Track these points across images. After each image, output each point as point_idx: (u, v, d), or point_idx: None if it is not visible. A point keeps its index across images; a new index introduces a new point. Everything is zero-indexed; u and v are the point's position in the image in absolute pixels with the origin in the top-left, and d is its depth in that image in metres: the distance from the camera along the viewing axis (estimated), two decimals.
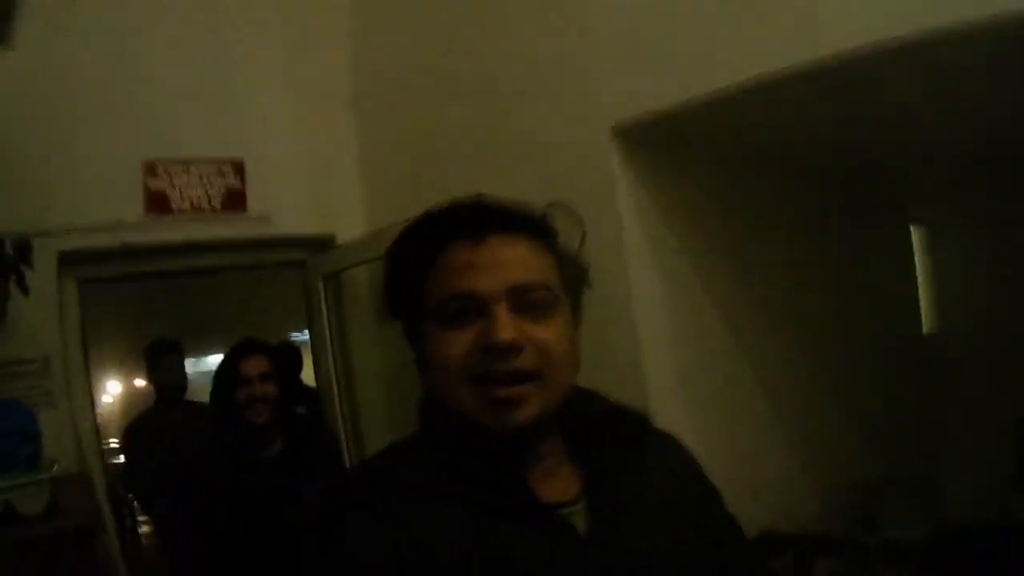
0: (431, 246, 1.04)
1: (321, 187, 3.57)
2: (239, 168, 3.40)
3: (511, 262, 1.01)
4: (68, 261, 3.20)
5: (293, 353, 4.90)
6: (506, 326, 0.96)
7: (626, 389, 1.31)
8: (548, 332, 1.00)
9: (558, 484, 1.03)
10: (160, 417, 4.15)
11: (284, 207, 3.49)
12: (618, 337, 2.61)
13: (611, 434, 1.09)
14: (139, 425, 4.23)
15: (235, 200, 3.41)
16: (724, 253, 3.01)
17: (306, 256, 3.66)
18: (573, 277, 1.10)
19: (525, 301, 1.00)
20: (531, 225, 1.06)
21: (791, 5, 2.09)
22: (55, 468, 2.64)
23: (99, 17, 3.24)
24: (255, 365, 2.78)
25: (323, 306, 3.58)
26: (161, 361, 4.29)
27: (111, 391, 5.53)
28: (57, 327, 3.14)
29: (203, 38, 3.45)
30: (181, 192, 3.33)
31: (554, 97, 2.73)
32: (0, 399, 2.81)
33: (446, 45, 3.12)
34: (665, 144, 2.70)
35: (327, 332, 3.56)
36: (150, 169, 3.27)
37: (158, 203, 3.29)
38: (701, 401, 2.79)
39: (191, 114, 3.37)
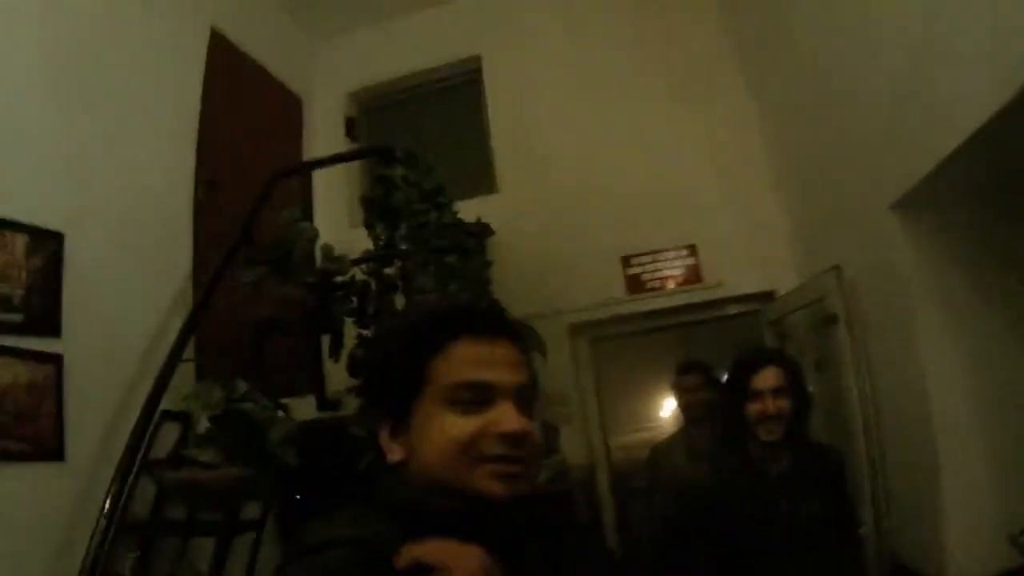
0: (445, 333, 1.19)
1: (758, 254, 4.34)
2: (693, 251, 4.40)
3: (516, 363, 1.19)
4: (576, 330, 4.55)
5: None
6: (519, 417, 1.15)
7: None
8: (535, 429, 1.20)
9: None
10: (686, 436, 4.04)
11: (732, 273, 4.38)
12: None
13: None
14: (664, 443, 4.25)
15: (692, 274, 4.40)
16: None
17: (754, 308, 4.45)
18: (535, 383, 1.27)
19: (522, 398, 1.18)
20: (524, 337, 1.25)
21: None
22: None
23: (561, 155, 4.65)
24: (768, 378, 2.61)
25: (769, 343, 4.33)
26: (684, 380, 4.08)
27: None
28: (572, 373, 4.49)
29: (646, 151, 4.57)
30: (651, 274, 4.43)
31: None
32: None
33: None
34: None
35: None
36: (627, 260, 4.46)
37: (635, 284, 4.45)
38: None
39: (652, 214, 4.49)
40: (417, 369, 1.18)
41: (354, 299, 3.38)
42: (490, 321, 1.22)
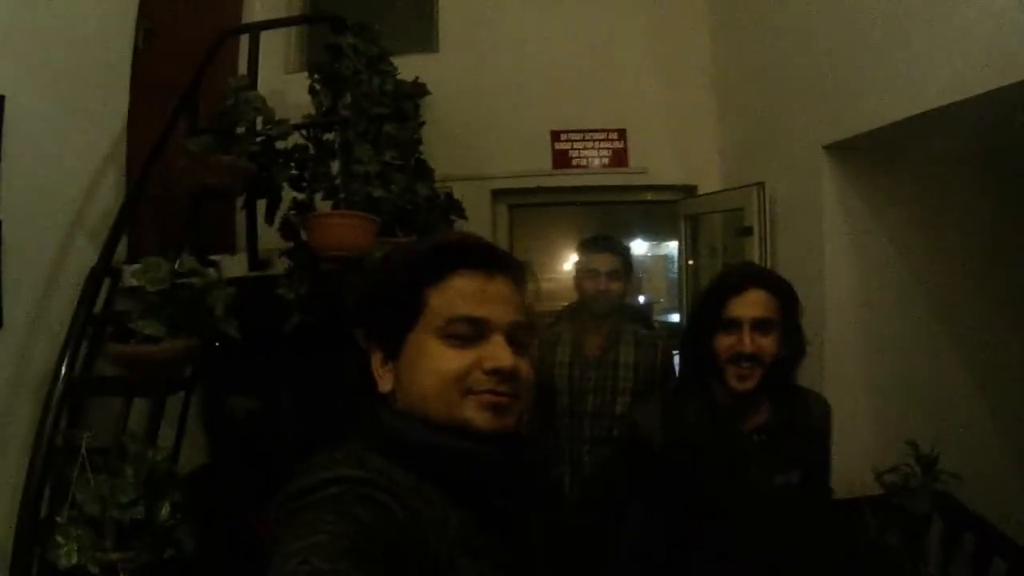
0: (444, 265, 1.19)
1: (686, 148, 4.52)
2: (622, 135, 4.52)
3: (512, 300, 1.20)
4: (499, 195, 4.69)
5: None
6: (509, 354, 1.15)
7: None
8: (525, 365, 1.20)
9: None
10: (576, 332, 3.25)
11: (657, 163, 4.54)
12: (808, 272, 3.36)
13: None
14: (551, 336, 3.35)
15: (619, 158, 4.54)
16: (917, 225, 3.39)
17: (673, 198, 4.67)
18: (533, 320, 1.28)
19: (516, 336, 1.19)
20: (522, 274, 1.26)
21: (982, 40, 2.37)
22: None
23: (504, 23, 4.63)
24: (750, 304, 2.01)
25: (685, 240, 4.60)
26: (593, 260, 3.20)
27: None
28: (489, 234, 4.60)
29: (588, 33, 4.59)
30: (579, 152, 4.54)
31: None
32: None
33: (792, 43, 3.66)
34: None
35: (685, 261, 4.62)
36: (556, 136, 4.55)
37: (562, 160, 4.56)
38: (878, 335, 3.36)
39: (584, 94, 4.57)
40: (413, 299, 1.18)
41: (293, 165, 3.39)
42: (488, 256, 1.21)
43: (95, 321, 2.95)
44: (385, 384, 1.22)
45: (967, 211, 3.42)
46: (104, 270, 2.87)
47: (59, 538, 2.22)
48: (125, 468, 2.41)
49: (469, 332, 1.16)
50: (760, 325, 1.99)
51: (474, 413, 1.14)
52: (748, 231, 3.75)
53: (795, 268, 3.51)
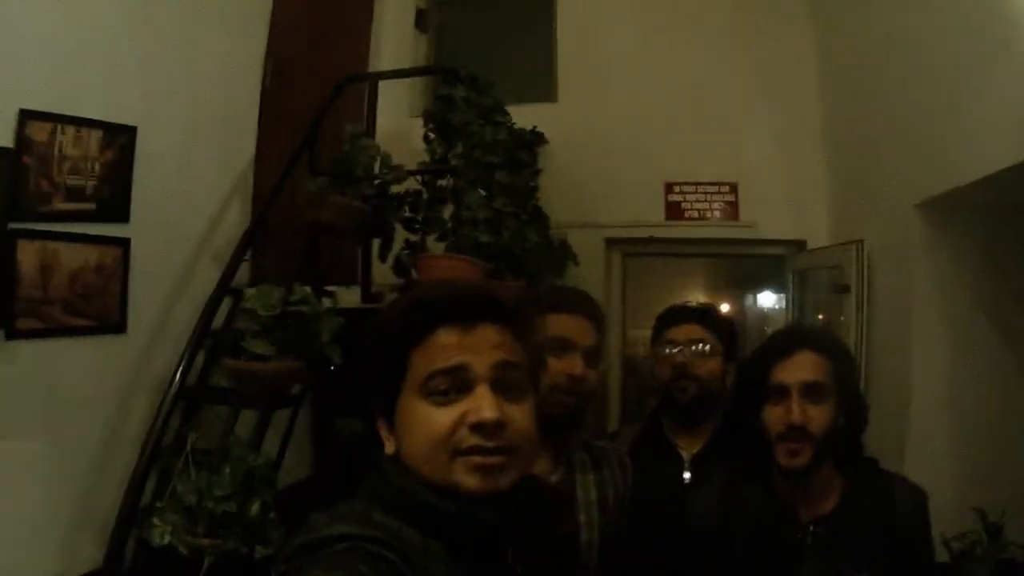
0: (422, 327, 1.17)
1: (795, 202, 4.64)
2: (734, 188, 4.70)
3: (498, 344, 1.16)
4: (612, 243, 4.94)
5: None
6: (492, 405, 1.11)
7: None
8: (520, 412, 1.15)
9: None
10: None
11: (767, 216, 4.69)
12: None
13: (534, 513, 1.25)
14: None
15: (731, 211, 4.72)
16: (1008, 286, 3.37)
17: (783, 254, 4.80)
18: (536, 363, 1.26)
19: (504, 381, 1.15)
20: (512, 315, 1.22)
21: None
22: None
23: (620, 74, 4.91)
24: (800, 368, 1.82)
25: (792, 295, 4.71)
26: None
27: None
28: (602, 281, 4.89)
29: (701, 86, 4.82)
30: (691, 204, 4.75)
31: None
32: None
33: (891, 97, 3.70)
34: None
35: (791, 315, 4.72)
36: (669, 187, 4.78)
37: (675, 211, 4.79)
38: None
39: (696, 146, 4.79)
40: (396, 363, 1.17)
41: (406, 208, 3.75)
42: (467, 306, 1.18)
43: (213, 335, 3.37)
44: (389, 447, 1.21)
45: None
46: (224, 290, 3.29)
47: (156, 520, 2.60)
48: (224, 467, 2.78)
49: (448, 385, 1.13)
50: (810, 391, 1.78)
51: (463, 476, 1.11)
52: (846, 289, 3.85)
53: (889, 329, 3.63)
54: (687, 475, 2.36)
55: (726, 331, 2.54)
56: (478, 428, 1.10)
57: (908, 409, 3.38)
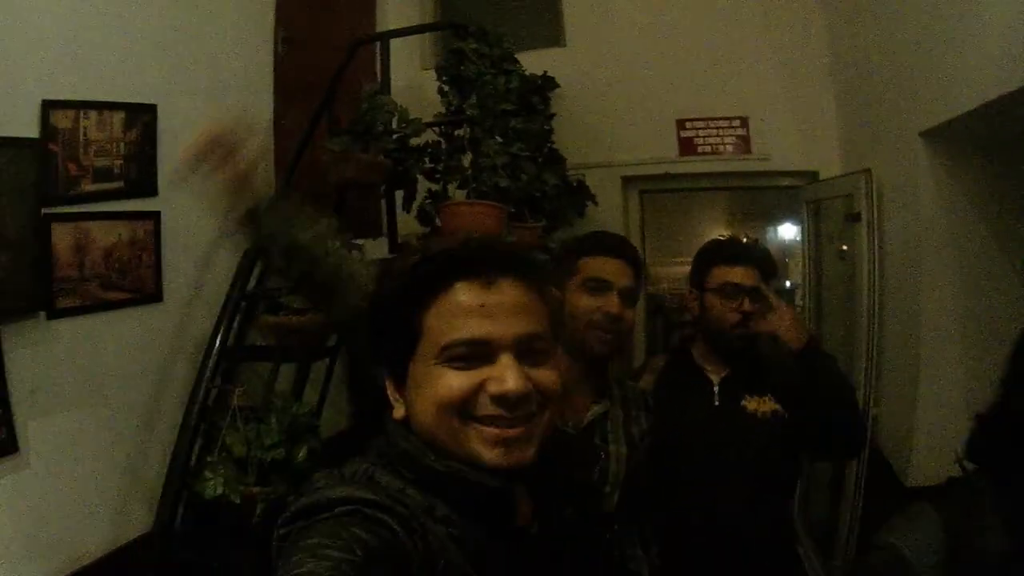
0: (436, 282, 1.12)
1: (807, 135, 4.76)
2: (744, 122, 4.83)
3: (520, 309, 1.12)
4: (629, 182, 5.11)
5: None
6: (517, 376, 1.08)
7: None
8: (545, 375, 1.13)
9: (522, 506, 1.18)
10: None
11: (779, 149, 4.83)
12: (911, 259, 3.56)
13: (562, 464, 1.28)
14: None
15: (742, 145, 4.85)
16: (1017, 213, 3.45)
17: (796, 184, 4.93)
18: (557, 319, 1.23)
19: (529, 349, 1.12)
20: (533, 270, 1.18)
21: None
22: None
23: (627, 15, 5.04)
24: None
25: (807, 225, 4.84)
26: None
27: None
28: (621, 219, 5.08)
29: (708, 22, 4.93)
30: (704, 140, 4.89)
31: None
32: None
33: (898, 27, 3.75)
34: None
35: (807, 245, 4.88)
36: (681, 124, 4.92)
37: (688, 147, 4.92)
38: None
39: (707, 82, 4.92)
40: (410, 326, 1.13)
41: (426, 159, 3.92)
42: (486, 260, 1.13)
43: (248, 297, 3.57)
44: (398, 410, 1.18)
45: None
46: (257, 252, 3.47)
47: (207, 473, 2.82)
48: (270, 417, 3.00)
49: (471, 353, 1.10)
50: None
51: (481, 448, 1.09)
52: (857, 218, 3.99)
53: (901, 255, 3.76)
54: (716, 399, 2.55)
55: (772, 272, 2.74)
56: (501, 400, 1.08)
57: (919, 336, 3.53)
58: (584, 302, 2.02)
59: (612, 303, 2.02)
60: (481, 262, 1.13)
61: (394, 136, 3.70)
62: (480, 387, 1.09)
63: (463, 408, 1.09)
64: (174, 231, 3.43)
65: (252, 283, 3.64)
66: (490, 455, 1.09)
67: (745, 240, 3.01)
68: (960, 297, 3.50)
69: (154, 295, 3.37)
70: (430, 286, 1.12)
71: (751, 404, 2.49)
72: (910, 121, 3.52)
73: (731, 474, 2.38)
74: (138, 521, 3.18)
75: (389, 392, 1.20)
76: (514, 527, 1.16)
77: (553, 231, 4.36)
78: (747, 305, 2.50)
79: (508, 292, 1.12)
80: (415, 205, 3.93)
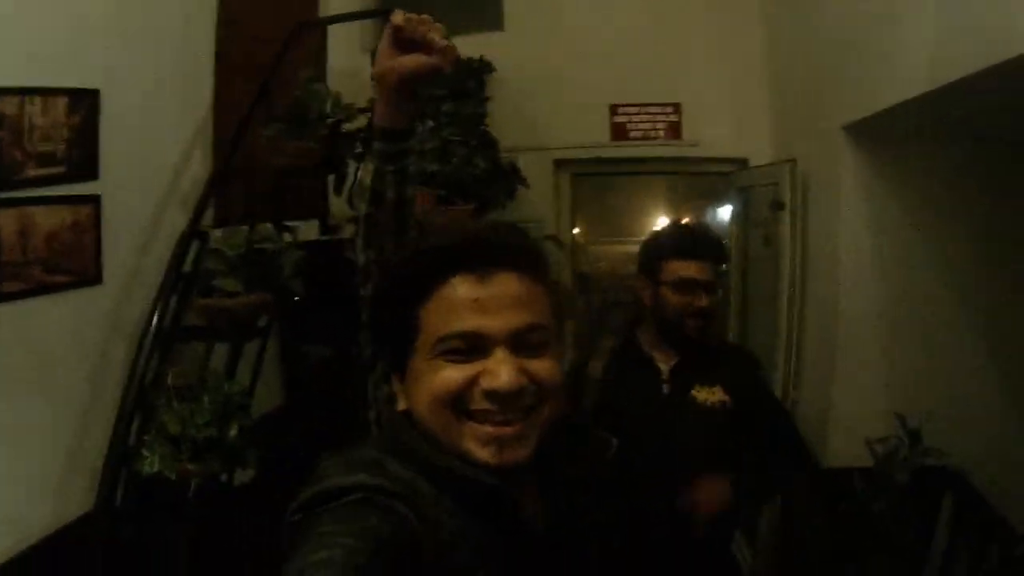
0: (433, 276, 1.12)
1: (738, 122, 4.93)
2: (677, 108, 4.99)
3: (513, 303, 1.10)
4: (561, 165, 5.27)
5: None
6: (510, 371, 1.07)
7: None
8: (543, 367, 1.11)
9: (527, 501, 1.18)
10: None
11: (710, 136, 4.99)
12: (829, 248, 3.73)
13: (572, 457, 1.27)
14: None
15: (674, 131, 5.02)
16: (935, 206, 3.60)
17: (726, 171, 5.11)
18: (560, 307, 1.21)
19: (526, 342, 1.10)
20: (531, 260, 1.17)
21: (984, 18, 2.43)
22: None
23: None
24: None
25: (737, 210, 5.04)
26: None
27: None
28: (552, 201, 5.25)
29: (645, 9, 5.03)
30: (636, 125, 5.05)
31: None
32: None
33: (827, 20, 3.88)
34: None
35: (736, 230, 5.08)
36: (614, 109, 5.06)
37: (620, 132, 5.08)
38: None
39: (641, 69, 5.04)
40: (407, 324, 1.14)
41: (359, 143, 4.02)
42: (479, 252, 1.13)
43: (184, 278, 3.65)
44: (401, 403, 1.19)
45: (985, 191, 3.59)
46: (192, 234, 3.53)
47: (144, 451, 2.94)
48: (203, 396, 3.11)
49: (465, 347, 1.10)
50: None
51: (474, 445, 1.09)
52: (781, 206, 4.17)
53: (822, 244, 3.93)
54: (665, 388, 2.59)
55: (725, 260, 2.83)
56: (492, 395, 1.08)
57: (837, 322, 3.70)
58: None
59: (702, 299, 2.50)
60: (477, 255, 1.12)
61: (327, 121, 3.80)
62: (474, 380, 1.09)
63: (457, 402, 1.09)
64: (115, 214, 3.47)
65: (188, 266, 3.72)
66: (482, 453, 1.09)
67: (692, 226, 3.00)
68: (878, 284, 3.67)
69: (94, 277, 3.41)
70: (427, 280, 1.13)
71: (700, 394, 2.55)
72: (834, 114, 3.66)
73: (680, 463, 2.44)
74: (81, 502, 3.23)
75: (395, 387, 1.22)
76: (518, 525, 1.14)
77: (483, 213, 4.45)
78: (703, 300, 2.54)
79: (504, 285, 1.11)
80: (345, 189, 4.00)
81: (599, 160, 5.18)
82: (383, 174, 1.49)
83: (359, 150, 4.01)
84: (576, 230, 5.82)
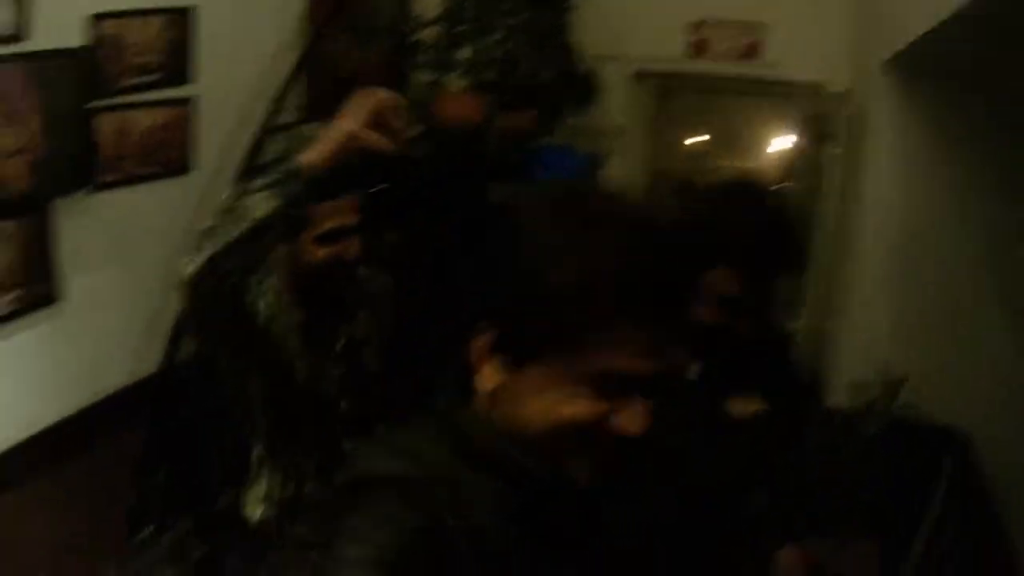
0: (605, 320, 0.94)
1: (819, 46, 4.92)
2: (759, 28, 5.04)
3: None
4: (640, 77, 5.41)
5: None
6: (643, 420, 0.98)
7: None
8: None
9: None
10: None
11: (790, 58, 5.02)
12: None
13: None
14: None
15: (753, 50, 5.09)
16: (966, 148, 3.59)
17: (803, 95, 5.15)
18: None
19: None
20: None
21: None
22: None
23: None
24: None
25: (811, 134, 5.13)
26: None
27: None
28: (632, 111, 5.44)
29: None
30: (717, 42, 5.14)
31: None
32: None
33: None
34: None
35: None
36: (695, 27, 5.16)
37: (700, 48, 5.19)
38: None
39: None
40: (572, 334, 0.94)
41: (431, 50, 4.30)
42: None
43: (261, 168, 4.06)
44: (486, 382, 1.02)
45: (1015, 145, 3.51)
46: (268, 128, 3.95)
47: None
48: None
49: (611, 388, 0.95)
50: None
51: (576, 467, 1.00)
52: (830, 136, 4.30)
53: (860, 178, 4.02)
54: None
55: None
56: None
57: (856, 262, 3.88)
58: None
59: None
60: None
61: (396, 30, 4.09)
62: (603, 417, 0.96)
63: (575, 434, 0.97)
64: (205, 112, 3.91)
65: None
66: (582, 476, 1.02)
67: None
68: (904, 222, 3.76)
69: (181, 169, 3.89)
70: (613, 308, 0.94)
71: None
72: (879, 48, 3.73)
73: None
74: (155, 362, 3.75)
75: (478, 351, 1.03)
76: (562, 528, 1.08)
77: (554, 120, 4.58)
78: None
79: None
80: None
81: (679, 75, 5.32)
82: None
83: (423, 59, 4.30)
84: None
